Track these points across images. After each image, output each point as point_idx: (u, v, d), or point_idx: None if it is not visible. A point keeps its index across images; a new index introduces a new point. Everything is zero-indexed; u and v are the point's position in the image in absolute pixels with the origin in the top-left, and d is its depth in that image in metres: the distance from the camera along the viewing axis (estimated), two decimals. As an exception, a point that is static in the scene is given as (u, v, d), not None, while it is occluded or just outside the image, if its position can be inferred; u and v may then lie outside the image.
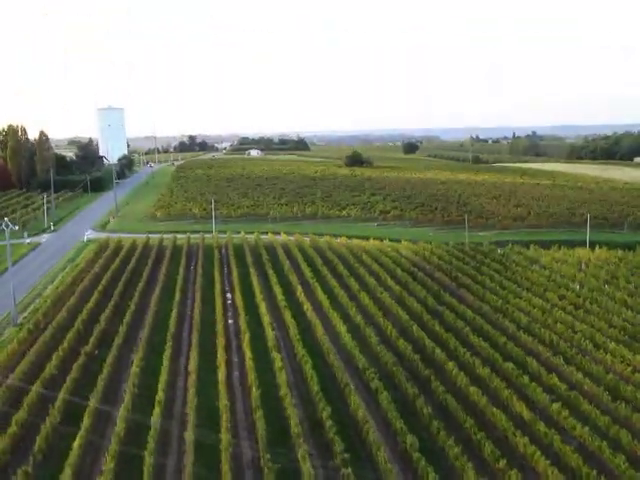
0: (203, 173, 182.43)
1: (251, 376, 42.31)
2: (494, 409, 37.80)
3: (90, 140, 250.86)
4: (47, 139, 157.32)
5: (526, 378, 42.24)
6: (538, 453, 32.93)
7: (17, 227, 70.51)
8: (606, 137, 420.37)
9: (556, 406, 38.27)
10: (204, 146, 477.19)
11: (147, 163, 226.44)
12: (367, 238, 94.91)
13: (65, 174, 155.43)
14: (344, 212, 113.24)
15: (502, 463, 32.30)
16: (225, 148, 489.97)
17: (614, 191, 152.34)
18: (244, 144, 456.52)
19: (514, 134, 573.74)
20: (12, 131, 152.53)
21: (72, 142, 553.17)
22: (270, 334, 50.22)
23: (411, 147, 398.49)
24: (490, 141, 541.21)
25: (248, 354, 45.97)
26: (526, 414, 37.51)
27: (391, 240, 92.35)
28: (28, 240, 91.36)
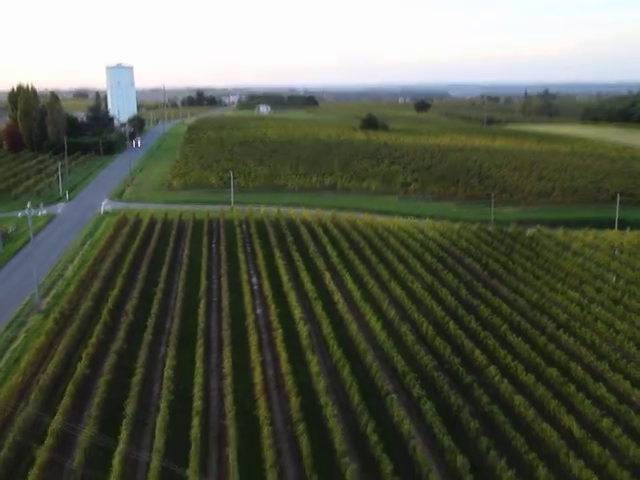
0: (216, 136, 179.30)
1: (289, 382, 41.12)
2: (543, 424, 36.57)
3: (97, 95, 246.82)
4: (58, 100, 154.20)
5: (572, 387, 40.92)
6: (595, 479, 31.76)
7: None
8: (621, 98, 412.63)
9: (607, 422, 36.99)
10: (212, 101, 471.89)
11: (133, 143, 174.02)
12: (389, 213, 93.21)
13: (76, 135, 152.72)
14: (364, 184, 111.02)
15: (558, 491, 31.20)
16: (233, 103, 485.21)
17: (636, 161, 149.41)
18: (253, 99, 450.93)
19: (526, 92, 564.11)
20: (22, 92, 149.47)
21: (78, 94, 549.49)
22: (303, 330, 48.90)
23: (423, 105, 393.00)
24: (502, 99, 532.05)
25: (283, 355, 44.71)
26: (576, 430, 36.29)
27: (415, 217, 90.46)
28: (44, 211, 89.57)
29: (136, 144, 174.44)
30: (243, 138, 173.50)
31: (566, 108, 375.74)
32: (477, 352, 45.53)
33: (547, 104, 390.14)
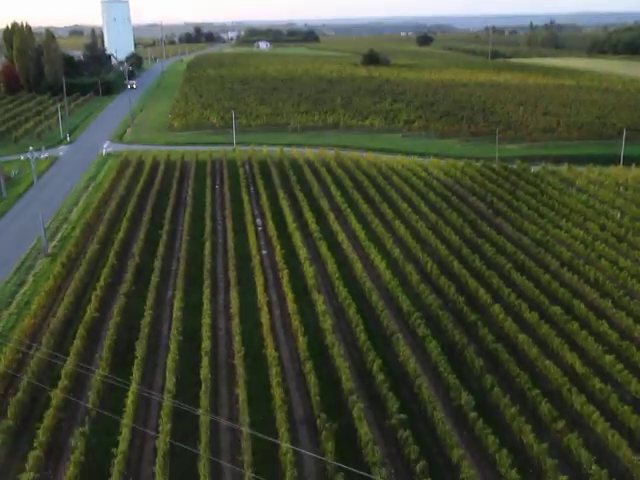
0: (216, 74, 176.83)
1: (295, 321, 41.69)
2: (546, 361, 37.18)
3: (93, 32, 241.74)
4: (54, 38, 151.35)
5: (575, 324, 41.39)
6: (596, 414, 32.48)
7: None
8: (629, 28, 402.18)
9: (609, 358, 37.60)
10: (210, 37, 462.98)
11: (128, 85, 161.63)
12: (393, 152, 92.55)
13: (74, 75, 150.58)
14: (367, 122, 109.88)
15: (560, 424, 31.95)
16: (232, 39, 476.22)
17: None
18: (252, 35, 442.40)
19: (531, 23, 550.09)
20: (17, 30, 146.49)
21: (74, 32, 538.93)
22: (308, 270, 49.25)
23: (425, 39, 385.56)
24: (507, 32, 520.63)
25: (289, 295, 45.16)
26: (579, 367, 36.90)
27: (419, 155, 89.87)
28: (46, 154, 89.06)
29: (131, 86, 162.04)
30: (243, 76, 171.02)
31: (572, 40, 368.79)
32: (481, 291, 45.90)
33: (553, 36, 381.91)
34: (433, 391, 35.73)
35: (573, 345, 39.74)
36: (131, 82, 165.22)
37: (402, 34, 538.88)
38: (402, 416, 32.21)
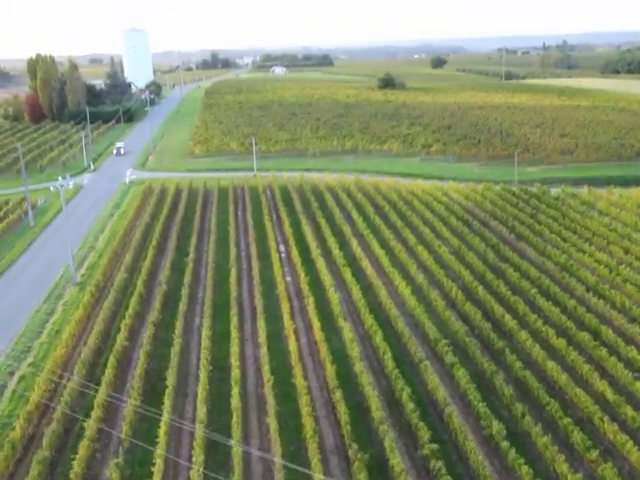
0: (234, 100, 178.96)
1: (323, 349, 41.91)
2: (576, 389, 37.08)
3: (112, 60, 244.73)
4: (77, 68, 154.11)
5: (604, 351, 41.25)
6: (630, 443, 32.32)
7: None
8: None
9: (640, 385, 37.48)
10: (226, 63, 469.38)
11: (116, 149, 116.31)
12: (412, 176, 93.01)
13: (95, 104, 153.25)
14: (385, 146, 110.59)
15: (594, 454, 31.82)
16: (247, 64, 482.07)
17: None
18: (268, 61, 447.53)
19: (544, 44, 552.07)
20: (41, 60, 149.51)
21: (93, 60, 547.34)
22: (334, 297, 49.55)
23: (439, 62, 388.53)
24: (519, 53, 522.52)
25: (315, 322, 45.43)
26: (610, 394, 36.76)
27: (437, 179, 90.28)
28: (71, 183, 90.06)
29: (118, 152, 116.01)
30: (261, 102, 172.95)
31: (585, 60, 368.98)
32: (507, 317, 45.91)
33: (566, 56, 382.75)
34: (463, 420, 35.77)
35: (602, 372, 39.65)
36: (118, 146, 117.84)
37: (415, 56, 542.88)
38: (434, 446, 32.24)
